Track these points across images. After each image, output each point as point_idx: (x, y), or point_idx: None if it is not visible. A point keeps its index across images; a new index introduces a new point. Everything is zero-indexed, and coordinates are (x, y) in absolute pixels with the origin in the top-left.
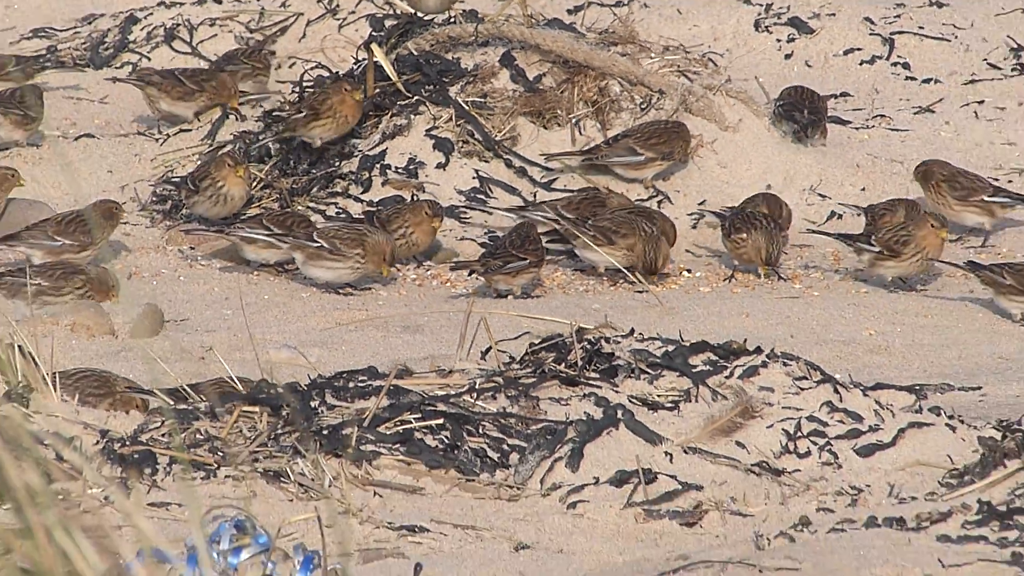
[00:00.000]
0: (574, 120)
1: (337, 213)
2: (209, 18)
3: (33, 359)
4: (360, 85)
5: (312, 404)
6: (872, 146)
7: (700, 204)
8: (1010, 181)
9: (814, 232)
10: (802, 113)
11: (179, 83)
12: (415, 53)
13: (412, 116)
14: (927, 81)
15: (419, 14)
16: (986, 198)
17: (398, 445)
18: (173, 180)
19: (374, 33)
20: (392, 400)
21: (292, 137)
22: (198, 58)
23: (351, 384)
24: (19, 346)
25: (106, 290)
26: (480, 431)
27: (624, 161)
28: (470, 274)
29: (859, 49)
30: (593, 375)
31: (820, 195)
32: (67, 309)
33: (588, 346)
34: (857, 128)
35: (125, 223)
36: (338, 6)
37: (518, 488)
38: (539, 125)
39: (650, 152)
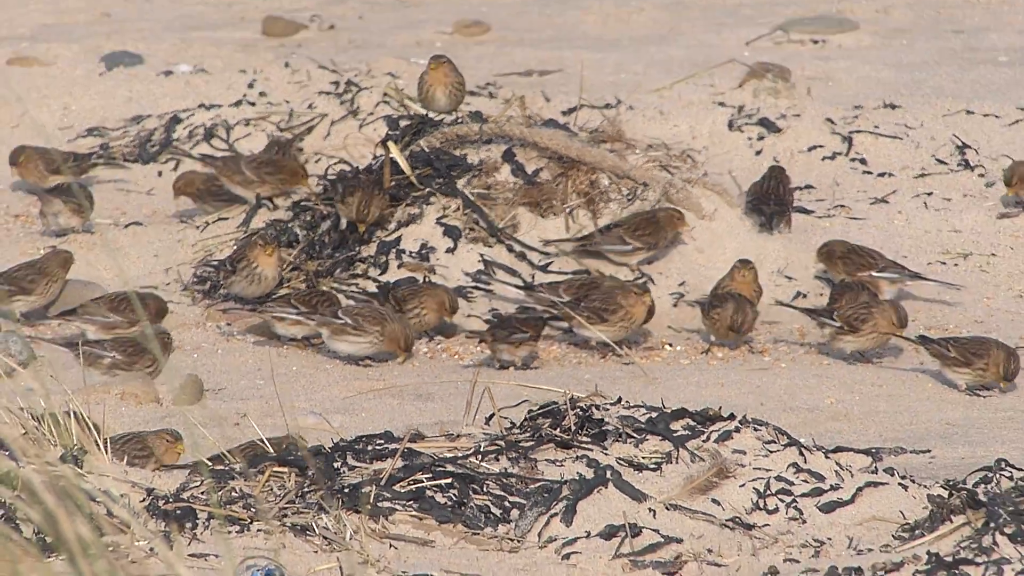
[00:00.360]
0: (568, 209)
1: (358, 293)
2: (244, 118)
3: (86, 424)
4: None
5: (335, 465)
6: (833, 233)
7: (680, 285)
8: (956, 264)
9: (782, 305)
10: (768, 205)
11: (239, 170)
12: (427, 150)
13: (424, 206)
14: (882, 175)
15: (430, 115)
16: (874, 273)
17: (411, 502)
18: (212, 263)
19: (390, 132)
20: (406, 461)
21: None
22: (235, 154)
23: (369, 447)
24: (74, 412)
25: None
26: (484, 489)
27: (614, 249)
28: (479, 343)
29: (821, 146)
30: (585, 439)
31: (787, 277)
32: (118, 380)
33: (580, 413)
34: (820, 217)
35: (168, 302)
36: (359, 108)
37: (518, 541)
38: (537, 214)
39: (637, 242)
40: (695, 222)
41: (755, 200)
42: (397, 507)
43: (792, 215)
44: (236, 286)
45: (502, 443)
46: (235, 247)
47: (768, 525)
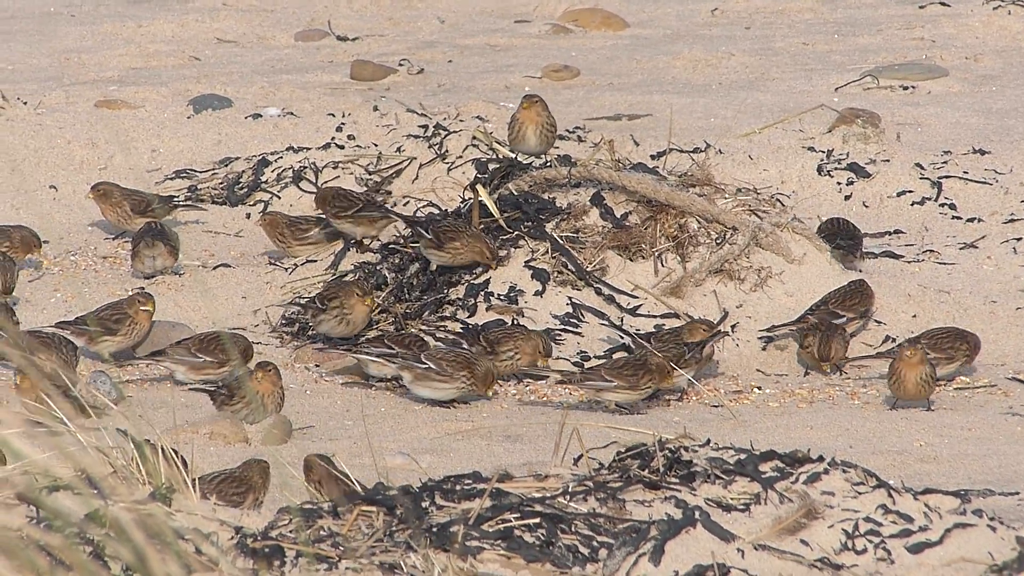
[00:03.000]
0: (657, 253)
1: (445, 336)
2: (332, 161)
3: (175, 463)
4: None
5: (423, 505)
6: (922, 278)
7: (769, 329)
8: None
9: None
10: (843, 239)
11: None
12: (515, 193)
13: (512, 249)
14: (971, 220)
15: (519, 158)
16: None
17: (499, 541)
18: (300, 301)
19: (479, 175)
20: (494, 501)
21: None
22: None
23: (458, 487)
24: (163, 451)
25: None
26: (572, 529)
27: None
28: (570, 382)
29: (911, 191)
30: (673, 480)
31: (876, 321)
32: (205, 419)
33: (669, 454)
34: (908, 262)
35: (257, 343)
36: (447, 151)
37: None
38: (626, 257)
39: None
40: (784, 266)
41: (828, 236)
42: (485, 546)
43: (881, 258)
44: (324, 325)
45: (590, 483)
46: (324, 287)
47: (856, 566)
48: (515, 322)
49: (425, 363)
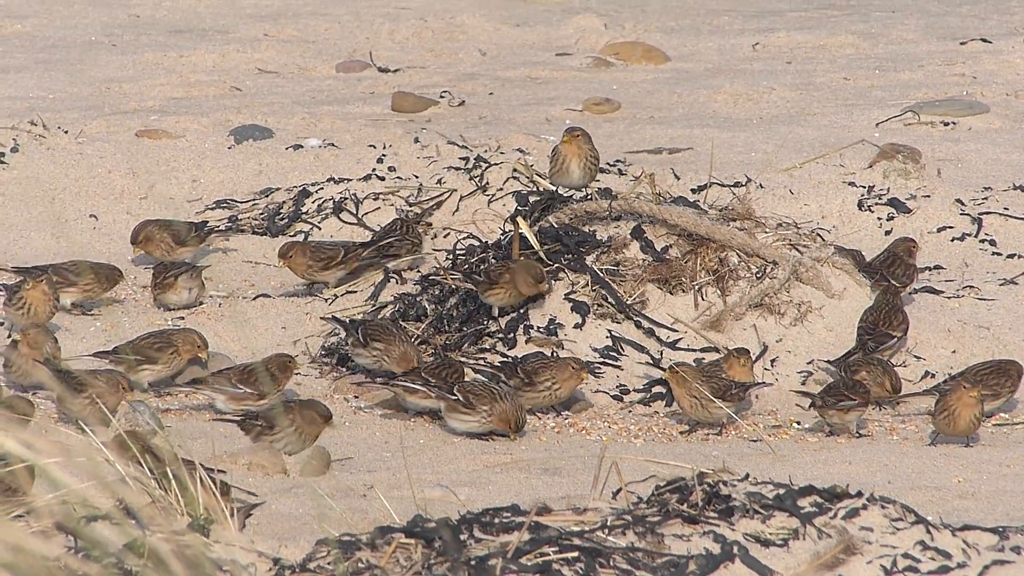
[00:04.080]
0: (697, 287)
1: (486, 367)
2: (373, 193)
3: (214, 494)
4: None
5: (461, 537)
6: (962, 313)
7: (808, 363)
8: None
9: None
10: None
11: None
12: (555, 225)
13: (553, 281)
14: (1011, 256)
15: (559, 191)
16: None
17: (538, 575)
18: (341, 325)
19: (519, 207)
20: (533, 535)
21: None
22: (363, 228)
23: (496, 520)
24: (202, 481)
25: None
26: (611, 563)
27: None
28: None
29: (951, 227)
30: (712, 514)
31: (916, 356)
32: (244, 449)
33: (708, 488)
34: (948, 297)
35: (297, 373)
36: (488, 184)
37: None
38: (666, 291)
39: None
40: (824, 301)
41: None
42: None
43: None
44: (359, 359)
45: (629, 517)
46: (364, 319)
47: None
48: (555, 354)
49: (455, 395)
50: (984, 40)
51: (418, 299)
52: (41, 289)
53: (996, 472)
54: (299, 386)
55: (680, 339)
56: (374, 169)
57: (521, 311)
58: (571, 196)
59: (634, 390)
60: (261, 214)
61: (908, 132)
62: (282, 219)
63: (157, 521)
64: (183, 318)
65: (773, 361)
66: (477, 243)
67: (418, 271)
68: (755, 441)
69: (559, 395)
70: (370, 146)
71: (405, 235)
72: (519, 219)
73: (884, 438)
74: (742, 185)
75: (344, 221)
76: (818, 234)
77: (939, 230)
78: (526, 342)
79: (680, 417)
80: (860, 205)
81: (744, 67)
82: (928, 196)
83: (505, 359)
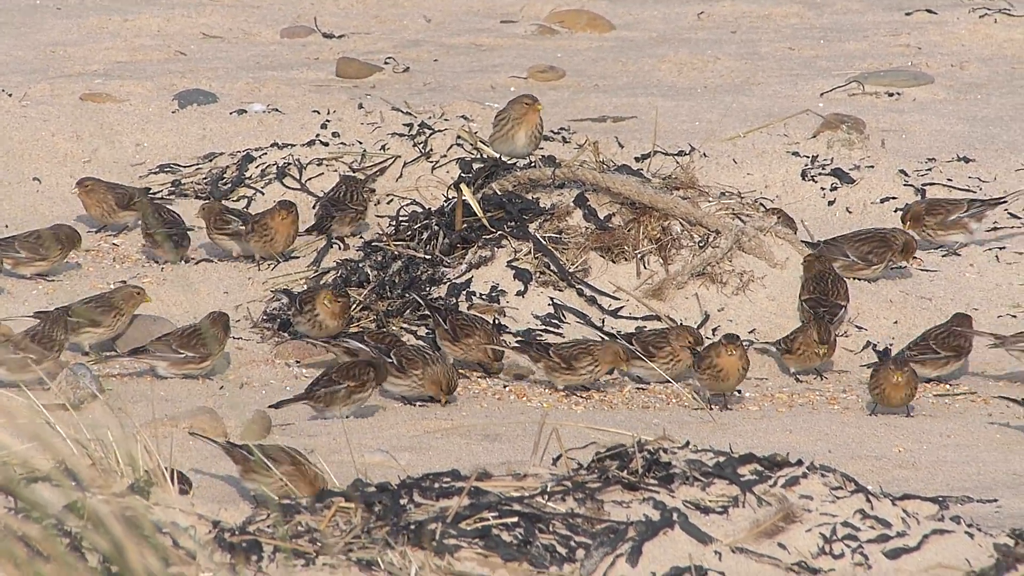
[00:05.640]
0: (639, 255)
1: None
2: (317, 158)
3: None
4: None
5: (401, 502)
6: (904, 284)
7: (750, 332)
8: None
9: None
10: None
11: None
12: (499, 193)
13: (495, 249)
14: None
15: (503, 158)
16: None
17: (477, 540)
18: (283, 293)
19: (463, 174)
20: (472, 500)
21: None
22: (306, 193)
23: (436, 485)
24: (142, 445)
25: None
26: (550, 529)
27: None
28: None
29: (895, 198)
30: (652, 481)
31: (858, 327)
32: (184, 413)
33: (648, 456)
34: (891, 268)
35: (238, 338)
36: (431, 150)
37: None
38: (608, 259)
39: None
40: (766, 270)
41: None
42: (463, 544)
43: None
44: (300, 327)
45: (569, 484)
46: (306, 286)
47: (834, 570)
48: (496, 321)
49: (390, 358)
50: (929, 11)
51: (361, 265)
52: None
53: (937, 442)
54: (240, 350)
55: (622, 307)
56: (318, 135)
57: (467, 279)
58: (515, 164)
59: None
60: (204, 179)
61: (852, 102)
62: (226, 184)
63: (98, 483)
64: (124, 281)
65: (715, 330)
66: (420, 210)
67: (361, 237)
68: (697, 409)
69: (599, 375)
70: (314, 111)
71: (350, 201)
72: (462, 186)
73: (825, 407)
74: (686, 154)
75: (287, 187)
76: (761, 204)
77: (882, 201)
78: (468, 309)
79: (621, 384)
80: (804, 175)
81: (689, 36)
82: (872, 167)
83: (531, 340)
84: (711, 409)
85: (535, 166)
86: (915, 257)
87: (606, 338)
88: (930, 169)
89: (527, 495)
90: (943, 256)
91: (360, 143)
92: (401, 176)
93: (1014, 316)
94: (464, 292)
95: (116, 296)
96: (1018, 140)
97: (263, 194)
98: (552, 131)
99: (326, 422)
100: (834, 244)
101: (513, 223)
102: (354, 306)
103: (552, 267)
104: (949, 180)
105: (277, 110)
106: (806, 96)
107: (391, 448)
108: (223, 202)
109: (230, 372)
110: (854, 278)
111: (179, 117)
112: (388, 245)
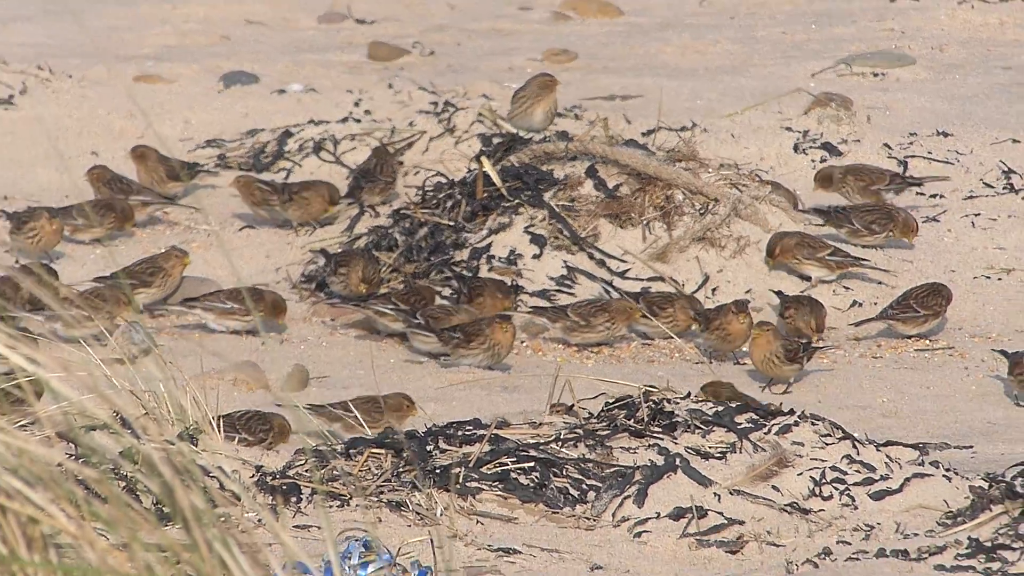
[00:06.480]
0: (645, 222)
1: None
2: (350, 134)
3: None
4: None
5: (427, 448)
6: (888, 249)
7: (746, 292)
8: (999, 279)
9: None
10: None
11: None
12: (516, 165)
13: (513, 216)
14: (933, 196)
15: (521, 133)
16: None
17: (497, 483)
18: (319, 254)
19: (483, 148)
20: (492, 446)
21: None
22: (340, 166)
23: (459, 432)
24: (191, 395)
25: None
26: (564, 473)
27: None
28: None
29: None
30: (656, 429)
31: (845, 287)
32: (229, 367)
33: (653, 406)
34: (875, 233)
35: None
36: (455, 126)
37: (594, 520)
38: (616, 225)
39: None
40: (762, 235)
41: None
42: (484, 487)
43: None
44: (335, 286)
45: (580, 431)
46: (340, 249)
47: (823, 510)
48: (514, 282)
49: (418, 319)
50: None
51: (390, 231)
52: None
53: (917, 394)
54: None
55: (629, 269)
56: (351, 112)
57: (487, 244)
58: (531, 138)
59: None
60: (247, 153)
61: (841, 82)
62: (266, 158)
63: (150, 431)
64: (173, 246)
65: (714, 290)
66: (444, 180)
67: (390, 206)
68: (698, 363)
69: (615, 333)
70: (348, 91)
71: (380, 172)
72: (483, 159)
73: (815, 362)
74: (688, 129)
75: (323, 160)
76: (756, 175)
77: (925, 178)
78: (488, 271)
79: (628, 340)
80: (796, 148)
81: (691, 21)
82: (858, 140)
83: (553, 304)
84: (710, 363)
85: (550, 140)
86: (915, 234)
87: (616, 296)
88: (912, 143)
89: (542, 442)
90: (923, 222)
91: (390, 120)
92: (427, 150)
93: (987, 277)
94: (484, 256)
95: (160, 258)
96: (992, 116)
97: (300, 166)
98: (565, 108)
99: (359, 376)
100: (842, 213)
101: (529, 192)
102: (384, 268)
103: (565, 232)
104: (929, 153)
105: (314, 90)
106: (798, 76)
107: (418, 399)
108: (256, 174)
109: (271, 330)
110: (860, 245)
111: (224, 97)
112: (415, 213)
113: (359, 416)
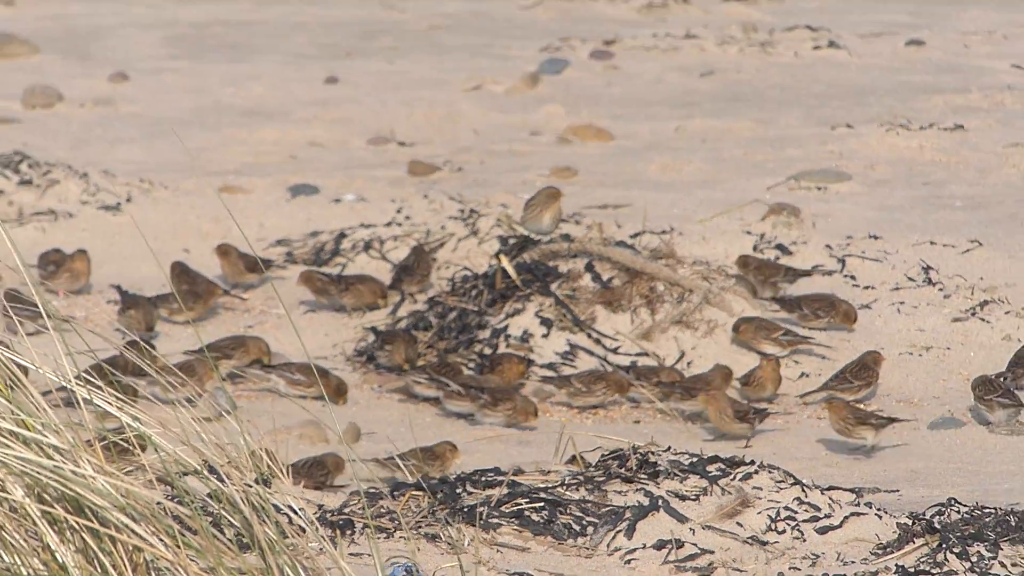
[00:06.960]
0: (633, 308)
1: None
2: (393, 235)
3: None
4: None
5: (457, 491)
6: (830, 332)
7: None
8: (920, 355)
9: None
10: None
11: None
12: (528, 261)
13: (526, 303)
14: (867, 287)
15: (532, 235)
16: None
17: (513, 519)
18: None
19: (502, 247)
20: (510, 490)
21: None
22: (385, 261)
23: (483, 478)
24: (265, 448)
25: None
26: (568, 511)
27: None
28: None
29: (822, 265)
30: (643, 476)
31: (795, 361)
32: (296, 424)
33: (640, 457)
34: (820, 318)
35: (335, 369)
36: (478, 229)
37: (592, 550)
38: (610, 311)
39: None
40: (728, 319)
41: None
42: (503, 523)
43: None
44: (381, 359)
45: (582, 478)
46: (386, 328)
47: (778, 542)
48: (527, 358)
49: (452, 386)
50: (849, 126)
51: (426, 315)
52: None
53: (852, 448)
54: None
55: (620, 346)
56: (394, 217)
57: (504, 325)
58: (540, 240)
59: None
60: (310, 251)
61: (791, 194)
62: (325, 255)
63: (232, 476)
64: (251, 327)
65: (689, 363)
66: (470, 274)
67: (426, 294)
68: (676, 424)
69: (610, 398)
70: (391, 200)
71: (417, 267)
72: (501, 256)
73: (770, 423)
74: (667, 232)
75: (371, 256)
76: (723, 270)
77: (813, 268)
78: (506, 347)
79: (620, 403)
80: (755, 248)
81: (670, 144)
82: (805, 242)
83: (559, 374)
84: (685, 424)
85: (555, 241)
86: (854, 322)
87: (611, 368)
88: (848, 244)
89: (550, 486)
90: (859, 308)
91: (425, 224)
92: (456, 249)
93: (911, 353)
94: (502, 335)
95: (247, 339)
96: (915, 222)
97: (353, 262)
98: (568, 215)
99: (402, 430)
100: (793, 301)
101: (539, 284)
102: (421, 345)
103: (568, 316)
104: (863, 252)
105: (364, 199)
106: (756, 189)
107: None
108: (317, 268)
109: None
110: (807, 327)
111: (291, 205)
112: (446, 300)
113: (417, 463)
